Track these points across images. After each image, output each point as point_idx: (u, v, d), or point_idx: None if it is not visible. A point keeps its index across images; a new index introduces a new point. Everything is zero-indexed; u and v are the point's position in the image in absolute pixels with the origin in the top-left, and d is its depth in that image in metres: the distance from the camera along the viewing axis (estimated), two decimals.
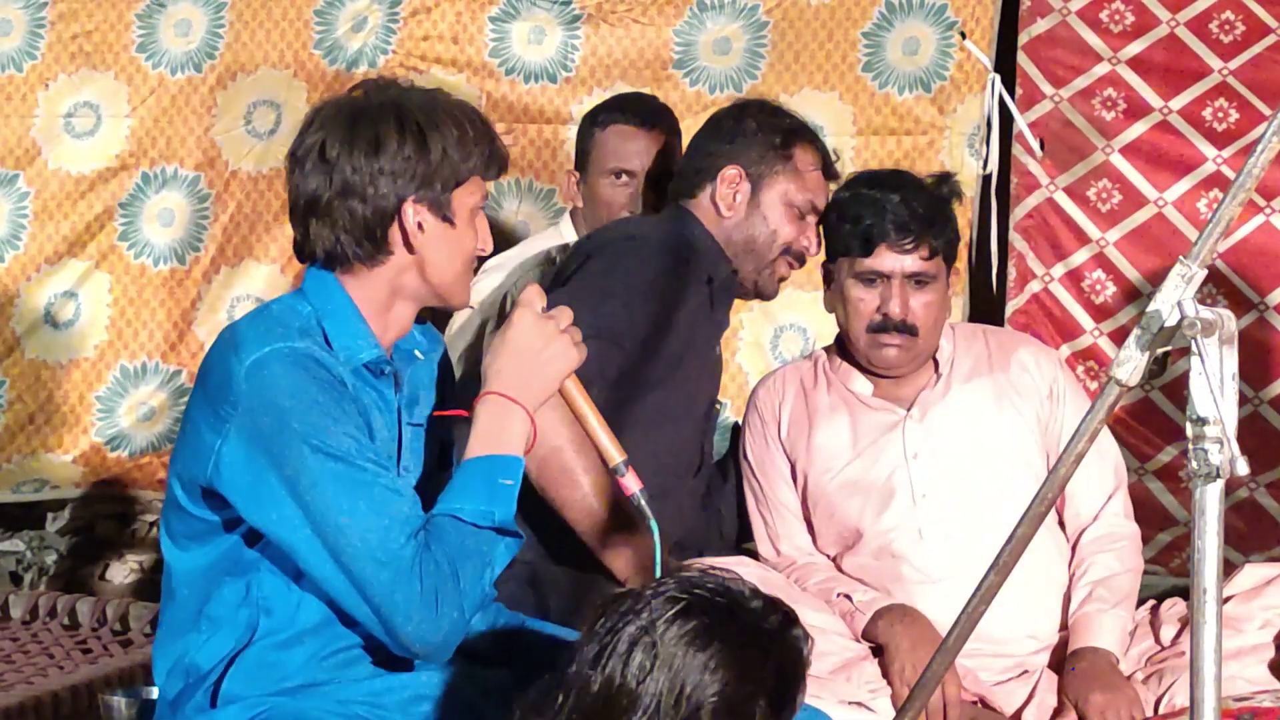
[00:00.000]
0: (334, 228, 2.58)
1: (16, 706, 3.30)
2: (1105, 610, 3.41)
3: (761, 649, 1.97)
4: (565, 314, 2.59)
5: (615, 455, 2.61)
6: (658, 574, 2.61)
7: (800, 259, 3.58)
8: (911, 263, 3.45)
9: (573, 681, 1.95)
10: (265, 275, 5.07)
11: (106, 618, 3.89)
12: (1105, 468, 3.54)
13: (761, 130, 3.56)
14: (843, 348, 3.60)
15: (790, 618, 2.02)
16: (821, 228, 3.61)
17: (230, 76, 5.14)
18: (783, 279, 3.62)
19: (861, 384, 3.55)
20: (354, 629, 2.53)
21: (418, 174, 2.55)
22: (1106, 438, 3.57)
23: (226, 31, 5.15)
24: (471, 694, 2.57)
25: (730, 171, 3.54)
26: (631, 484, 2.61)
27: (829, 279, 3.57)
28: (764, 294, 3.64)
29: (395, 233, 2.55)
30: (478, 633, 2.69)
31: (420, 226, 2.56)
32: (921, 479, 3.47)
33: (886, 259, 3.45)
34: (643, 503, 2.61)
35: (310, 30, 5.12)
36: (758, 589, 2.00)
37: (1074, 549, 3.53)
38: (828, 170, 3.57)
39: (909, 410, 3.52)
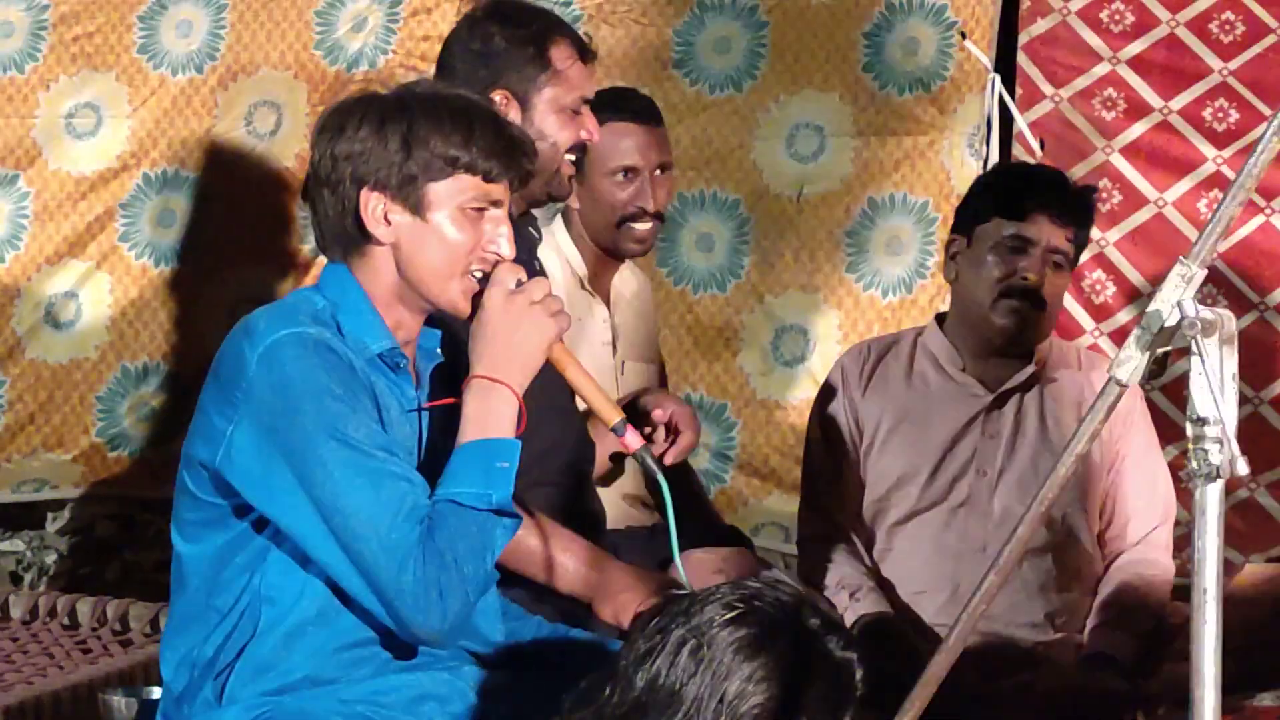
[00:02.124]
0: (315, 215, 2.59)
1: (16, 706, 3.31)
2: (1127, 633, 3.45)
3: (810, 668, 1.93)
4: (538, 286, 2.58)
5: (612, 416, 2.62)
6: (672, 536, 2.62)
7: (582, 150, 3.38)
8: (1058, 238, 3.53)
9: (620, 677, 1.94)
10: (266, 275, 5.07)
11: (106, 618, 3.89)
12: (1157, 499, 3.61)
13: (511, 43, 3.34)
14: (940, 326, 3.64)
15: (848, 642, 1.99)
16: (970, 197, 3.66)
17: (231, 77, 5.14)
18: (571, 176, 3.39)
19: (952, 359, 3.60)
20: (357, 624, 2.53)
21: (372, 160, 2.53)
22: (1163, 470, 3.64)
23: (228, 33, 5.15)
24: (475, 695, 2.57)
25: (495, 98, 3.30)
26: (633, 441, 2.62)
27: (952, 250, 3.60)
28: (558, 197, 3.44)
29: (367, 223, 2.54)
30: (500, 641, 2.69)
31: (386, 217, 2.54)
32: (988, 456, 3.56)
33: (1040, 227, 3.52)
34: (647, 459, 2.61)
35: (311, 31, 5.12)
36: (819, 606, 1.98)
37: (1107, 567, 3.58)
38: (585, 54, 3.36)
39: (995, 393, 3.59)
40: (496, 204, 2.57)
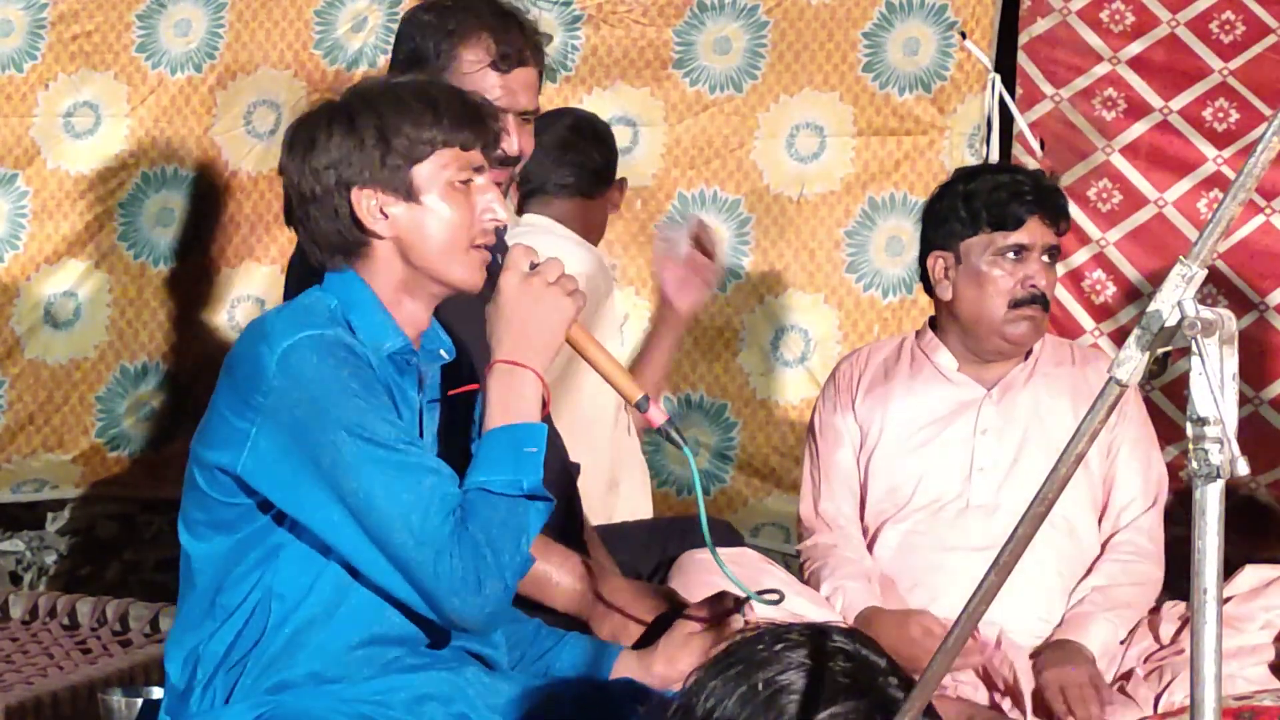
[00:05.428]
0: (307, 233, 2.60)
1: (16, 706, 3.30)
2: (1095, 615, 3.44)
3: None
4: (553, 266, 2.59)
5: (634, 392, 2.61)
6: (700, 506, 2.61)
7: (503, 162, 3.13)
8: (1050, 236, 3.58)
9: (684, 699, 1.93)
10: (265, 276, 5.07)
11: (106, 618, 3.89)
12: (1150, 485, 3.61)
13: (423, 39, 3.21)
14: (933, 328, 3.65)
15: (930, 715, 1.95)
16: (946, 214, 3.59)
17: (230, 76, 5.14)
18: (495, 183, 2.96)
19: (947, 359, 3.62)
20: (365, 622, 2.53)
21: (354, 161, 2.54)
22: (1156, 456, 3.65)
23: (226, 31, 5.15)
24: (476, 697, 2.57)
25: None
26: (657, 416, 2.61)
27: (940, 269, 3.59)
28: None
29: (365, 223, 2.55)
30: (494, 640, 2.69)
31: (382, 212, 2.55)
32: (983, 454, 3.57)
33: (1034, 231, 3.54)
34: (672, 433, 2.61)
35: (310, 30, 5.12)
36: (904, 673, 1.95)
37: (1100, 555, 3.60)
38: (503, 62, 3.17)
39: (989, 390, 3.60)
40: (479, 171, 2.58)
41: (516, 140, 3.16)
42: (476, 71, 3.16)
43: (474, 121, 2.59)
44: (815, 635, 1.89)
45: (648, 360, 3.92)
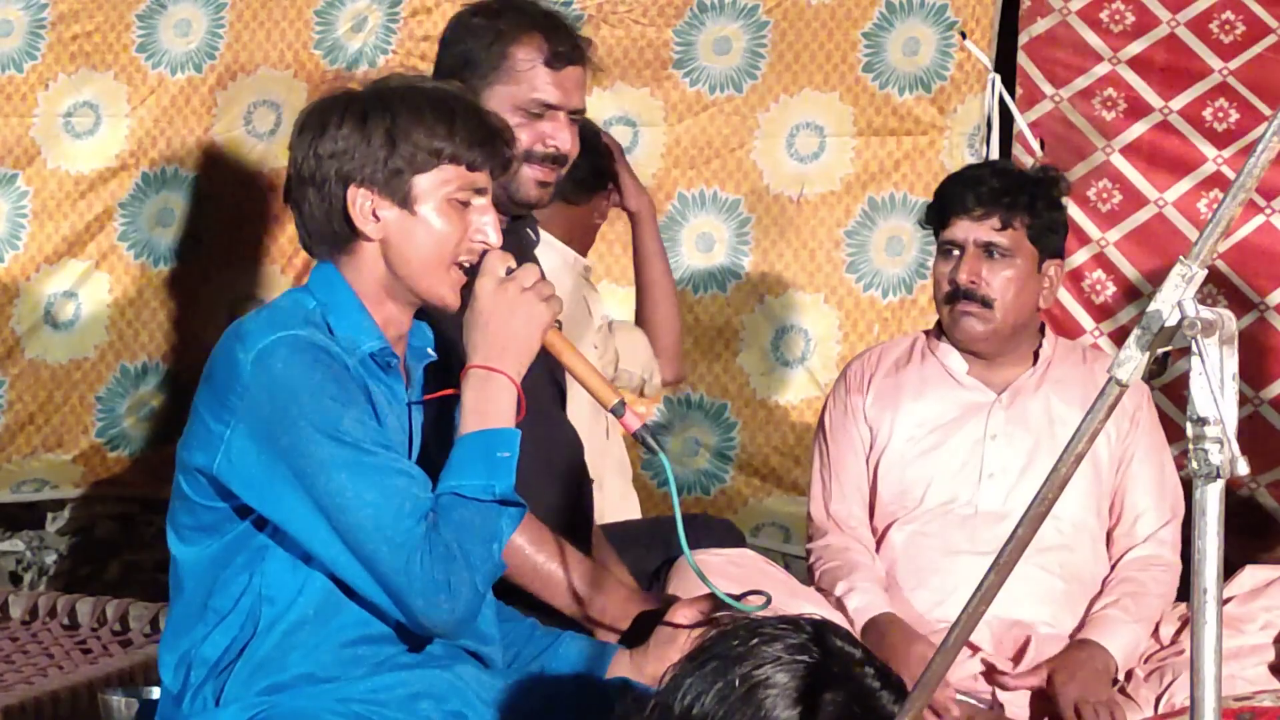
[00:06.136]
0: (300, 216, 2.59)
1: (16, 706, 3.30)
2: (1125, 621, 3.44)
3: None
4: (529, 272, 2.58)
5: (610, 398, 2.61)
6: (676, 512, 2.61)
7: (554, 160, 3.18)
8: (983, 232, 3.54)
9: (661, 696, 1.92)
10: (265, 275, 5.07)
11: (106, 618, 3.89)
12: (1165, 497, 3.61)
13: (473, 36, 3.22)
14: (941, 329, 3.67)
15: (902, 694, 1.94)
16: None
17: (230, 77, 5.14)
18: (543, 183, 3.18)
19: (957, 362, 3.63)
20: (355, 621, 2.53)
21: (357, 156, 2.52)
22: (1170, 468, 3.64)
23: (226, 32, 5.15)
24: (471, 695, 2.57)
25: None
26: (633, 421, 2.61)
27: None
28: (520, 201, 3.21)
29: (355, 220, 2.54)
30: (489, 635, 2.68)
31: (374, 213, 2.54)
32: (993, 460, 3.56)
33: (958, 228, 3.55)
34: (648, 439, 2.61)
35: (310, 30, 5.12)
36: (877, 662, 1.93)
37: (1114, 566, 3.58)
38: (555, 59, 3.16)
39: (999, 395, 3.60)
40: (481, 193, 2.57)
41: (569, 138, 3.16)
42: (530, 69, 3.16)
43: (488, 143, 2.56)
44: (790, 629, 1.88)
45: (645, 266, 4.25)
